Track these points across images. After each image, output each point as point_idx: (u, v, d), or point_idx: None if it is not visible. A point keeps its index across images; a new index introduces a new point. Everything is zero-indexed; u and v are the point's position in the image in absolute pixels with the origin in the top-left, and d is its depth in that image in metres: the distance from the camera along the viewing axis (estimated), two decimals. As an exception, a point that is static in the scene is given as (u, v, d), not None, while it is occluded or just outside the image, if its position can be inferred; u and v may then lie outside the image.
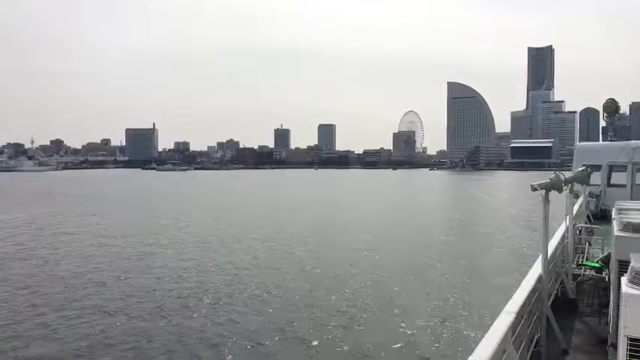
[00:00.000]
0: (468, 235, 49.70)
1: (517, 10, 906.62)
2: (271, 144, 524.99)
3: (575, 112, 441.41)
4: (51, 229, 53.29)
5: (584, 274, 11.91)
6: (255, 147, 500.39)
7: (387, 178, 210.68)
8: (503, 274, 30.17)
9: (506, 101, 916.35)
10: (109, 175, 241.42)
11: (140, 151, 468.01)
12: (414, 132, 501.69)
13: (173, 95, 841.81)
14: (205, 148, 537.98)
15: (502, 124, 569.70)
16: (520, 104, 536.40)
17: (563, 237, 12.33)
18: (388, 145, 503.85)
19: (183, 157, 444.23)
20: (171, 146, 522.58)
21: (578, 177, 12.40)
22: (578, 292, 11.25)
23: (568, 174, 11.18)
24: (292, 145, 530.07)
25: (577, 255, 13.57)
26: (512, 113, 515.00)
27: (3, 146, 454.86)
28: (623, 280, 5.66)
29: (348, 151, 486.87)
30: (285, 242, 43.54)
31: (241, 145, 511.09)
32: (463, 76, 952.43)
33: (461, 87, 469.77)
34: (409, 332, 21.06)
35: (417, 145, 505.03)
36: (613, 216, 9.74)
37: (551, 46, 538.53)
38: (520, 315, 6.47)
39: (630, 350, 5.07)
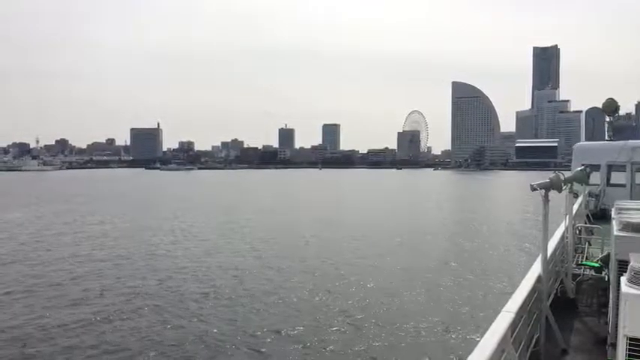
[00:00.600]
0: (477, 235, 49.42)
1: (522, 9, 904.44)
2: (276, 144, 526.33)
3: (580, 111, 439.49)
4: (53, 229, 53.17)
5: (583, 274, 11.85)
6: (260, 147, 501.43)
7: (392, 178, 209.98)
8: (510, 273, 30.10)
9: (511, 101, 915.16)
10: (109, 175, 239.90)
11: (145, 150, 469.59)
12: (418, 132, 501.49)
13: (178, 95, 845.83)
14: (210, 148, 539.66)
15: (507, 123, 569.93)
16: (525, 104, 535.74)
17: (563, 237, 12.31)
18: (393, 144, 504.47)
19: (188, 157, 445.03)
20: (176, 146, 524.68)
21: (577, 177, 12.32)
22: (578, 292, 11.22)
23: (567, 174, 11.11)
24: (297, 145, 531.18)
25: (576, 255, 13.55)
26: (518, 113, 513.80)
27: (8, 146, 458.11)
28: (623, 279, 5.65)
29: (353, 151, 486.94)
30: (295, 243, 43.55)
31: (246, 145, 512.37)
32: (468, 75, 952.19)
33: (465, 87, 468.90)
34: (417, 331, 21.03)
35: (422, 144, 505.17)
36: (612, 215, 9.73)
37: (556, 45, 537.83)
38: (519, 315, 6.44)
39: (629, 350, 5.07)
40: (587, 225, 17.41)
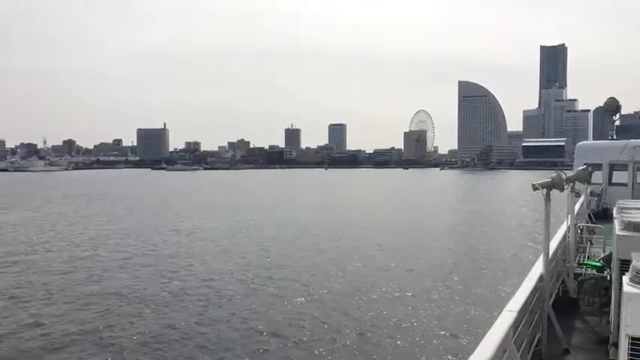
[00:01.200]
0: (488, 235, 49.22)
1: (530, 7, 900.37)
2: (282, 144, 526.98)
3: (588, 110, 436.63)
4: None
5: (585, 274, 11.82)
6: (266, 147, 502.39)
7: (399, 178, 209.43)
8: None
9: (518, 100, 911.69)
10: (112, 176, 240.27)
11: (151, 151, 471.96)
12: (425, 131, 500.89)
13: (185, 96, 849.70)
14: (216, 148, 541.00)
15: (514, 122, 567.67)
16: (532, 103, 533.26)
17: (565, 236, 12.29)
18: (399, 144, 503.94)
19: (194, 157, 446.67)
20: (183, 146, 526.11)
21: (579, 176, 12.29)
22: (580, 292, 11.18)
23: (569, 173, 11.12)
24: (303, 145, 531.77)
25: (578, 254, 13.51)
26: (525, 112, 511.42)
27: (16, 146, 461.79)
28: (625, 279, 5.65)
29: (359, 151, 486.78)
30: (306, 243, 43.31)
31: (252, 145, 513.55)
32: (475, 74, 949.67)
33: (472, 86, 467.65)
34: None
35: (428, 144, 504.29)
36: (614, 215, 9.72)
37: (563, 44, 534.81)
38: (521, 314, 6.44)
39: (631, 349, 5.07)
40: (589, 224, 17.33)
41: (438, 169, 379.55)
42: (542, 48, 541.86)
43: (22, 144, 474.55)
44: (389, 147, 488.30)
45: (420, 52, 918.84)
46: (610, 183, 24.67)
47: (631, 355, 5.07)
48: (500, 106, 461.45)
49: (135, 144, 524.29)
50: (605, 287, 10.51)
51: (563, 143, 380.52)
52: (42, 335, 20.84)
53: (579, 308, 10.69)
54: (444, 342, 19.64)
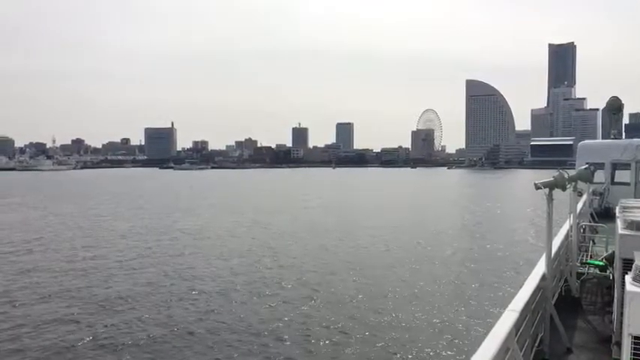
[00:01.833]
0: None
1: (538, 5, 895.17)
2: (289, 143, 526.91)
3: (597, 109, 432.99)
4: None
5: (588, 273, 11.81)
6: (273, 146, 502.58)
7: (407, 177, 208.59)
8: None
9: (526, 99, 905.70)
10: (117, 175, 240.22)
11: (159, 150, 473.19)
12: (432, 130, 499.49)
13: (194, 95, 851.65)
14: (224, 147, 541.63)
15: (522, 121, 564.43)
16: (541, 102, 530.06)
17: (567, 235, 12.26)
18: (407, 143, 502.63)
19: (201, 157, 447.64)
20: (191, 145, 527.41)
21: (581, 175, 12.29)
22: (582, 291, 11.18)
23: (571, 172, 11.08)
24: (310, 144, 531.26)
25: (581, 253, 13.50)
26: (533, 111, 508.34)
27: (25, 145, 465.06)
28: (627, 278, 5.63)
29: (366, 150, 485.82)
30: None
31: (259, 144, 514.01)
32: (482, 73, 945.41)
33: (480, 85, 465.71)
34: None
35: (436, 143, 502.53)
36: (617, 214, 9.71)
37: (572, 42, 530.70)
38: (524, 313, 6.47)
39: (634, 348, 5.08)
40: (592, 223, 17.31)
41: (446, 168, 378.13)
42: (551, 46, 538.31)
43: (30, 143, 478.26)
44: (396, 146, 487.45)
45: (428, 51, 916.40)
46: (612, 182, 24.58)
47: (634, 354, 5.07)
48: (508, 104, 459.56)
49: (143, 143, 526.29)
50: (608, 286, 10.49)
51: (571, 142, 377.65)
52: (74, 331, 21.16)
53: (582, 307, 10.68)
54: (449, 340, 19.62)
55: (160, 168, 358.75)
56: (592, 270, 11.84)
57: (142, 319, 22.67)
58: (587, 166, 13.93)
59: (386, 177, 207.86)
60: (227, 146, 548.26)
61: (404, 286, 28.19)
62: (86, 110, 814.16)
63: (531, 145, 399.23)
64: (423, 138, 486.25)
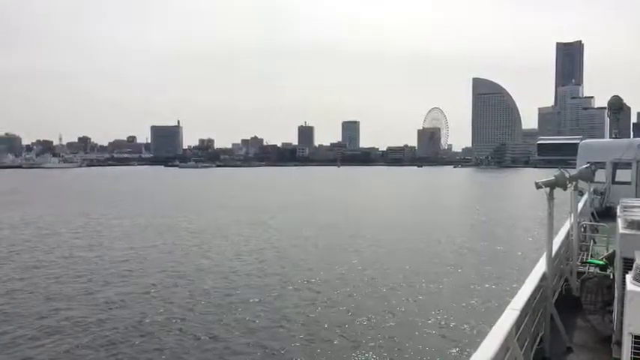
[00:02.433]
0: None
1: (545, 4, 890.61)
2: (295, 141, 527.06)
3: (605, 108, 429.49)
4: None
5: (588, 272, 11.73)
6: (279, 144, 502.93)
7: (414, 177, 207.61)
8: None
9: (533, 97, 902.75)
10: (121, 173, 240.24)
11: (165, 148, 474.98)
12: (438, 129, 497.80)
13: (200, 93, 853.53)
14: (230, 146, 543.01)
15: (529, 120, 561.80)
16: (548, 100, 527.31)
17: (568, 235, 12.28)
18: (413, 142, 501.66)
19: (207, 155, 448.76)
20: (197, 143, 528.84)
21: (582, 174, 12.38)
22: (583, 290, 11.15)
23: (572, 171, 11.12)
24: (316, 142, 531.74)
25: (581, 253, 13.48)
26: (540, 109, 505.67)
27: (32, 143, 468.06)
28: (628, 277, 5.64)
29: (372, 148, 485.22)
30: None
31: (265, 143, 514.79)
32: (489, 72, 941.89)
33: (486, 83, 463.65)
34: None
35: (442, 142, 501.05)
36: (618, 213, 9.72)
37: (580, 41, 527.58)
38: (524, 312, 6.49)
39: (635, 348, 5.08)
40: (592, 223, 17.29)
41: (452, 167, 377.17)
42: (558, 45, 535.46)
43: (38, 141, 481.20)
44: (402, 145, 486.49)
45: (435, 49, 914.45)
46: (613, 181, 24.59)
47: (634, 353, 5.07)
48: (515, 103, 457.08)
49: (149, 141, 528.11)
50: (608, 286, 10.46)
51: (578, 141, 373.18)
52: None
53: (582, 307, 10.67)
54: (450, 339, 19.53)
55: (166, 166, 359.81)
56: (592, 269, 11.77)
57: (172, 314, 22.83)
58: (588, 165, 13.89)
59: (390, 176, 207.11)
60: (233, 144, 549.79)
61: (406, 285, 28.09)
62: (93, 108, 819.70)
63: (538, 143, 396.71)
64: (429, 137, 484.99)
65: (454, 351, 18.37)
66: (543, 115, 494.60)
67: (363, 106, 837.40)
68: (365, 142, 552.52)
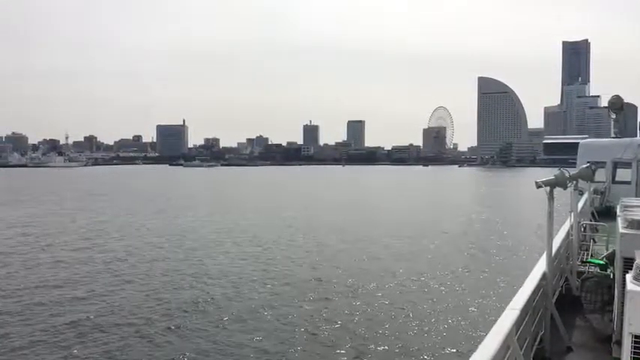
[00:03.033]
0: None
1: (551, 3, 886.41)
2: (301, 140, 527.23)
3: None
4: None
5: (588, 272, 11.69)
6: (284, 143, 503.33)
7: (421, 177, 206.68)
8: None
9: (539, 96, 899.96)
10: (124, 172, 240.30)
11: (170, 147, 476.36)
12: (444, 128, 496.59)
13: (206, 92, 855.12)
14: (235, 145, 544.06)
15: (535, 119, 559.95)
16: (554, 99, 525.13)
17: (568, 234, 12.26)
18: (418, 141, 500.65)
19: (212, 154, 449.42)
20: (203, 142, 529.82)
21: (582, 174, 12.37)
22: (583, 290, 11.15)
23: (573, 171, 11.22)
24: (321, 142, 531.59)
25: (581, 252, 13.46)
26: (546, 108, 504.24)
27: (39, 142, 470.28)
28: (628, 277, 5.63)
29: (377, 147, 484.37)
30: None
31: (270, 142, 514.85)
32: (495, 71, 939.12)
33: (492, 82, 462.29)
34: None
35: (447, 141, 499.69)
36: (618, 213, 9.73)
37: (586, 39, 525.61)
38: (524, 312, 6.50)
39: (635, 347, 5.08)
40: (593, 222, 17.29)
41: (457, 166, 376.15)
42: (565, 43, 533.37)
43: (44, 140, 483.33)
44: (407, 144, 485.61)
45: (440, 48, 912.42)
46: (613, 181, 24.60)
47: (634, 353, 5.07)
48: (520, 102, 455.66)
49: (155, 140, 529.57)
50: (609, 285, 10.43)
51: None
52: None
53: (582, 306, 10.68)
54: (451, 338, 19.49)
55: (170, 165, 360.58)
56: (592, 269, 11.73)
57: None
58: (588, 164, 13.87)
59: (397, 176, 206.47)
60: (238, 143, 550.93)
61: (409, 284, 28.13)
62: (100, 108, 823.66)
63: (544, 143, 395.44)
64: (435, 136, 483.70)
65: (456, 351, 18.33)
66: (549, 114, 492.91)
67: (368, 106, 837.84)
68: (370, 141, 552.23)
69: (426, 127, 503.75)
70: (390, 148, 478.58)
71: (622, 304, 6.37)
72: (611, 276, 10.46)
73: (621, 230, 8.01)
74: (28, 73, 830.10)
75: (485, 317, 21.03)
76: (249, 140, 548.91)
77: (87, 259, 35.25)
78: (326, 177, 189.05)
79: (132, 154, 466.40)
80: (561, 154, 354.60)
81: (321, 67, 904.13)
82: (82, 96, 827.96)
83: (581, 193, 16.37)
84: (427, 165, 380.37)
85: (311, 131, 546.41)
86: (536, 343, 8.00)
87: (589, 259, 12.64)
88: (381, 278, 29.21)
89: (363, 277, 29.76)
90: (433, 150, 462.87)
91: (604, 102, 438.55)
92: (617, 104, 26.16)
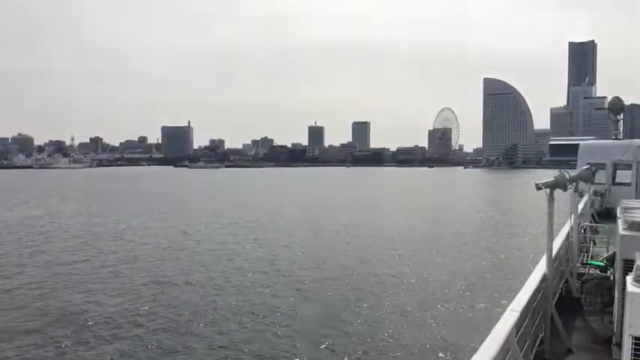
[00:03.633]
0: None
1: (557, 4, 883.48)
2: (306, 142, 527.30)
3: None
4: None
5: (588, 273, 11.63)
6: (289, 144, 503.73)
7: (428, 179, 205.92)
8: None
9: (545, 97, 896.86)
10: (127, 173, 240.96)
11: (176, 148, 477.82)
12: (449, 129, 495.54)
13: (211, 93, 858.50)
14: (241, 146, 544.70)
15: (541, 120, 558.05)
16: (560, 100, 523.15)
17: (568, 236, 12.22)
18: (423, 142, 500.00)
19: (216, 155, 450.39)
20: (208, 144, 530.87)
21: (582, 175, 12.39)
22: (583, 291, 11.05)
23: (573, 172, 11.15)
24: (326, 143, 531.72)
25: (582, 254, 13.43)
26: (552, 109, 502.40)
27: (45, 144, 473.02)
28: (628, 278, 5.63)
29: (382, 149, 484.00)
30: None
31: (275, 143, 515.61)
32: (500, 72, 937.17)
33: (497, 83, 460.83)
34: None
35: (453, 142, 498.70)
36: (618, 215, 9.72)
37: (593, 40, 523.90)
38: (524, 314, 6.50)
39: (635, 349, 5.08)
40: (593, 224, 17.27)
41: (462, 167, 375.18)
42: (571, 45, 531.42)
43: (50, 141, 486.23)
44: (412, 145, 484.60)
45: (446, 49, 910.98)
46: (614, 182, 24.57)
47: (634, 355, 5.08)
48: (526, 103, 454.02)
49: (160, 141, 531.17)
50: (609, 287, 10.37)
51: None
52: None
53: (582, 308, 10.65)
54: (452, 340, 19.39)
55: (175, 166, 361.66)
56: (593, 271, 11.68)
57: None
58: (588, 166, 13.73)
59: (403, 178, 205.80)
60: (244, 145, 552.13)
61: (411, 286, 27.97)
62: (106, 109, 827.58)
63: (550, 144, 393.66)
64: (440, 137, 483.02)
65: (458, 350, 18.30)
66: (555, 115, 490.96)
67: (374, 107, 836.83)
68: (375, 142, 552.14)
69: (432, 128, 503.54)
70: (395, 150, 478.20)
71: (622, 305, 6.35)
72: (612, 278, 10.43)
73: (621, 232, 7.96)
74: (35, 74, 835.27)
75: (486, 319, 20.78)
76: (254, 141, 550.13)
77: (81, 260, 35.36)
78: (329, 181, 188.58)
79: (137, 156, 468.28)
80: (567, 156, 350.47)
81: (326, 69, 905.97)
82: (88, 97, 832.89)
83: (582, 195, 16.16)
84: (432, 166, 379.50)
85: (316, 132, 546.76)
86: (537, 344, 7.95)
87: (589, 261, 12.56)
88: (384, 280, 29.10)
89: (363, 276, 29.81)
90: (438, 151, 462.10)
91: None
92: (617, 106, 26.54)
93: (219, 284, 28.25)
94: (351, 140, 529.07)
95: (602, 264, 11.69)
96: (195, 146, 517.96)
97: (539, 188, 8.42)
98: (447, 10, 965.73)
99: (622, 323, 6.06)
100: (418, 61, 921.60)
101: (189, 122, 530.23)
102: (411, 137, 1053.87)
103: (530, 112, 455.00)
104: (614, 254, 10.64)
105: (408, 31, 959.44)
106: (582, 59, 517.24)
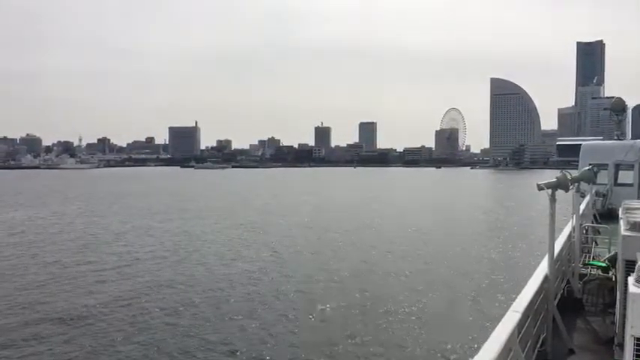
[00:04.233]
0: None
1: (565, 3, 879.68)
2: (312, 142, 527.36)
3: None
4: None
5: (590, 274, 11.56)
6: (296, 145, 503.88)
7: (436, 181, 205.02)
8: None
9: (553, 97, 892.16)
10: (129, 174, 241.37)
11: (183, 148, 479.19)
12: (456, 129, 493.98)
13: (219, 94, 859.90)
14: (248, 146, 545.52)
15: (548, 121, 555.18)
16: (568, 101, 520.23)
17: (570, 236, 12.17)
18: (430, 142, 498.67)
19: (223, 155, 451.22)
20: (215, 144, 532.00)
21: (584, 176, 12.28)
22: (585, 292, 11.06)
23: (575, 173, 11.10)
24: (333, 143, 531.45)
25: (583, 254, 13.38)
26: (559, 110, 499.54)
27: (53, 144, 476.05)
28: (630, 279, 5.63)
29: (389, 149, 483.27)
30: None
31: (282, 144, 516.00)
32: (508, 72, 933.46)
33: (504, 83, 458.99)
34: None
35: (460, 142, 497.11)
36: (620, 215, 9.71)
37: (601, 40, 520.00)
38: (526, 314, 6.51)
39: (637, 350, 5.07)
40: (594, 225, 17.24)
41: (469, 168, 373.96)
42: (579, 44, 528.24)
43: (58, 142, 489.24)
44: (419, 145, 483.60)
45: (453, 49, 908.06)
46: (615, 183, 24.53)
47: (636, 355, 5.07)
48: (533, 103, 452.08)
49: (167, 142, 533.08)
50: (611, 288, 10.36)
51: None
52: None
53: (584, 309, 10.62)
54: (452, 339, 19.36)
55: (182, 167, 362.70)
56: (594, 271, 11.60)
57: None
58: (590, 167, 13.72)
59: (410, 178, 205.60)
60: (250, 145, 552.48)
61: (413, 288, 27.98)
62: (113, 110, 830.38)
63: (557, 144, 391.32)
64: (447, 137, 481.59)
65: (457, 352, 18.22)
66: (563, 115, 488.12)
67: (381, 107, 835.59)
68: (382, 143, 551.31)
69: (439, 128, 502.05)
70: (402, 150, 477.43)
71: (624, 306, 6.34)
72: (613, 278, 10.39)
73: (623, 232, 7.93)
74: (43, 75, 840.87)
75: (488, 319, 20.86)
76: (261, 142, 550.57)
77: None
78: (335, 181, 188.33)
79: (144, 156, 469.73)
80: (575, 156, 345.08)
81: (333, 69, 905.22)
82: (96, 98, 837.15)
83: (583, 196, 16.24)
84: (439, 167, 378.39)
85: (323, 133, 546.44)
86: (538, 345, 7.93)
87: (591, 262, 12.51)
88: (386, 280, 29.28)
89: (364, 276, 30.06)
90: (445, 152, 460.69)
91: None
92: (619, 106, 26.43)
93: (226, 285, 28.44)
94: (357, 141, 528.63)
95: (603, 264, 11.64)
96: (203, 147, 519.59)
97: (540, 189, 8.40)
98: (454, 10, 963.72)
99: (624, 324, 6.06)
100: (425, 61, 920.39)
101: (196, 123, 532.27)
102: (417, 138, 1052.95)
103: (537, 112, 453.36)
104: (615, 255, 10.61)
105: (414, 31, 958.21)
106: (590, 59, 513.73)
